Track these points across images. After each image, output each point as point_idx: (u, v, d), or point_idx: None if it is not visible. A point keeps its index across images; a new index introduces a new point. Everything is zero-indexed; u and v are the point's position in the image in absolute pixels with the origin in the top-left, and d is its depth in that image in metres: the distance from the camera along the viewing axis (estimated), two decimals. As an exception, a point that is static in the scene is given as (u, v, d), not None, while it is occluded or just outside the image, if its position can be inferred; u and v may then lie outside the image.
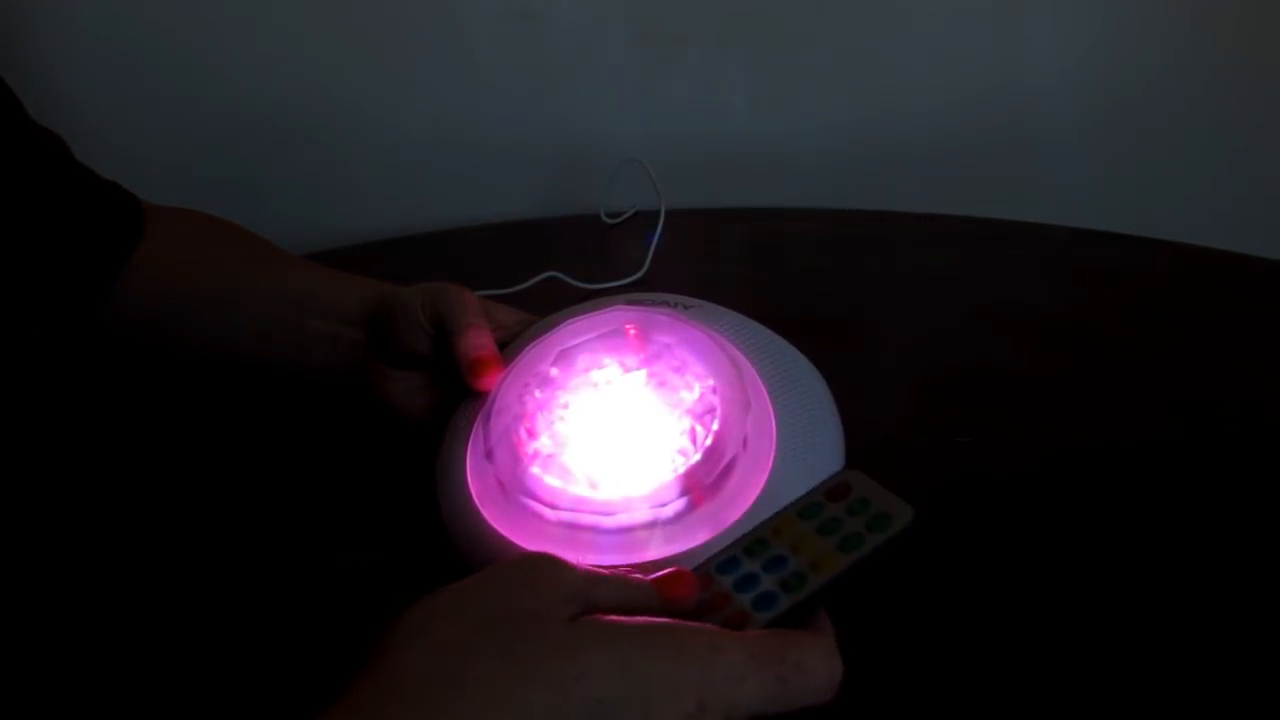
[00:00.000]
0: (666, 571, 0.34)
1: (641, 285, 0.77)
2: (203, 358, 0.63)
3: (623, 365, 0.48)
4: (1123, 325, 0.70)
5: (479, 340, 0.50)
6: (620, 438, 0.45)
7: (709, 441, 0.44)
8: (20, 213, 0.56)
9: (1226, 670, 0.42)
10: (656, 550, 0.41)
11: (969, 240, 0.86)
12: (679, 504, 0.42)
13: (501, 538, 0.44)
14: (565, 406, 0.47)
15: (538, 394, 0.48)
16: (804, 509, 0.35)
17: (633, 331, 0.48)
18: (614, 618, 0.30)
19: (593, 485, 0.44)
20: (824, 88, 0.98)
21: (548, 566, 0.32)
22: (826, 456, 0.47)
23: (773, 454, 0.44)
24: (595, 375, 0.48)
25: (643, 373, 0.47)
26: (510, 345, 0.53)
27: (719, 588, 0.33)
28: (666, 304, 0.52)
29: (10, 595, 0.50)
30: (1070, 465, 0.56)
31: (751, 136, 1.00)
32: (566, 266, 0.79)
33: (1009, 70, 0.95)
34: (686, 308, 0.52)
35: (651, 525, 0.42)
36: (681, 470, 0.43)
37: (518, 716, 0.28)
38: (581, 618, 0.30)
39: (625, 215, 0.94)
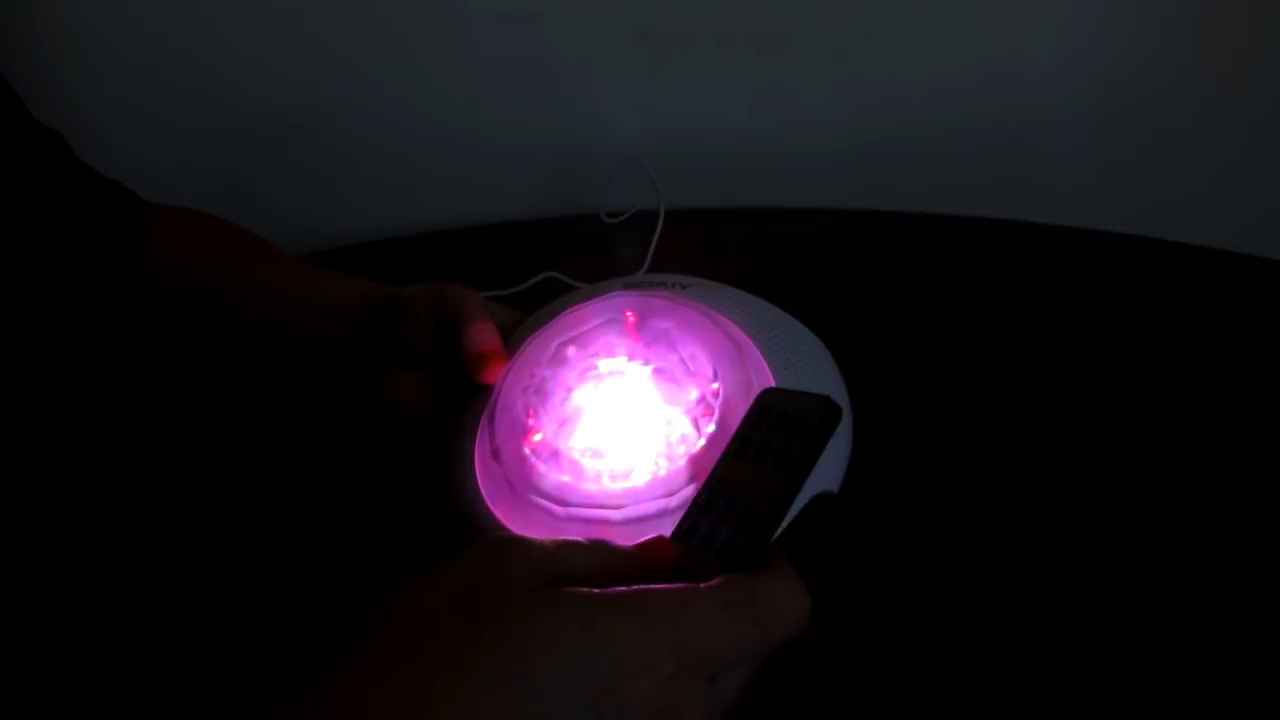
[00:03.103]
0: (646, 539, 0.34)
1: (642, 285, 0.77)
2: (203, 352, 0.63)
3: (624, 357, 0.48)
4: (1123, 325, 0.70)
5: (483, 334, 0.51)
6: (623, 429, 0.45)
7: (712, 426, 0.44)
8: (21, 211, 0.56)
9: (1225, 672, 0.42)
10: None
11: (969, 240, 0.86)
12: (687, 491, 0.42)
13: None
14: (567, 402, 0.47)
15: (538, 391, 0.48)
16: (737, 449, 0.36)
17: (630, 318, 0.48)
18: (581, 589, 0.30)
19: (600, 479, 0.44)
20: (824, 88, 0.98)
21: (510, 544, 0.32)
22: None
23: None
24: (594, 368, 0.48)
25: (641, 362, 0.47)
26: (511, 338, 0.53)
27: (687, 554, 0.34)
28: (664, 285, 0.52)
29: (10, 594, 0.50)
30: (1071, 464, 0.56)
31: (751, 136, 1.00)
32: (566, 266, 0.79)
33: (1009, 70, 0.95)
34: (684, 287, 0.52)
35: (661, 514, 0.42)
36: (688, 457, 0.43)
37: (484, 683, 0.27)
38: (546, 588, 0.30)
39: (625, 215, 0.94)
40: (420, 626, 0.29)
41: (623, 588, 0.30)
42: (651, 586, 0.31)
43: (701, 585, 0.31)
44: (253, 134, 0.98)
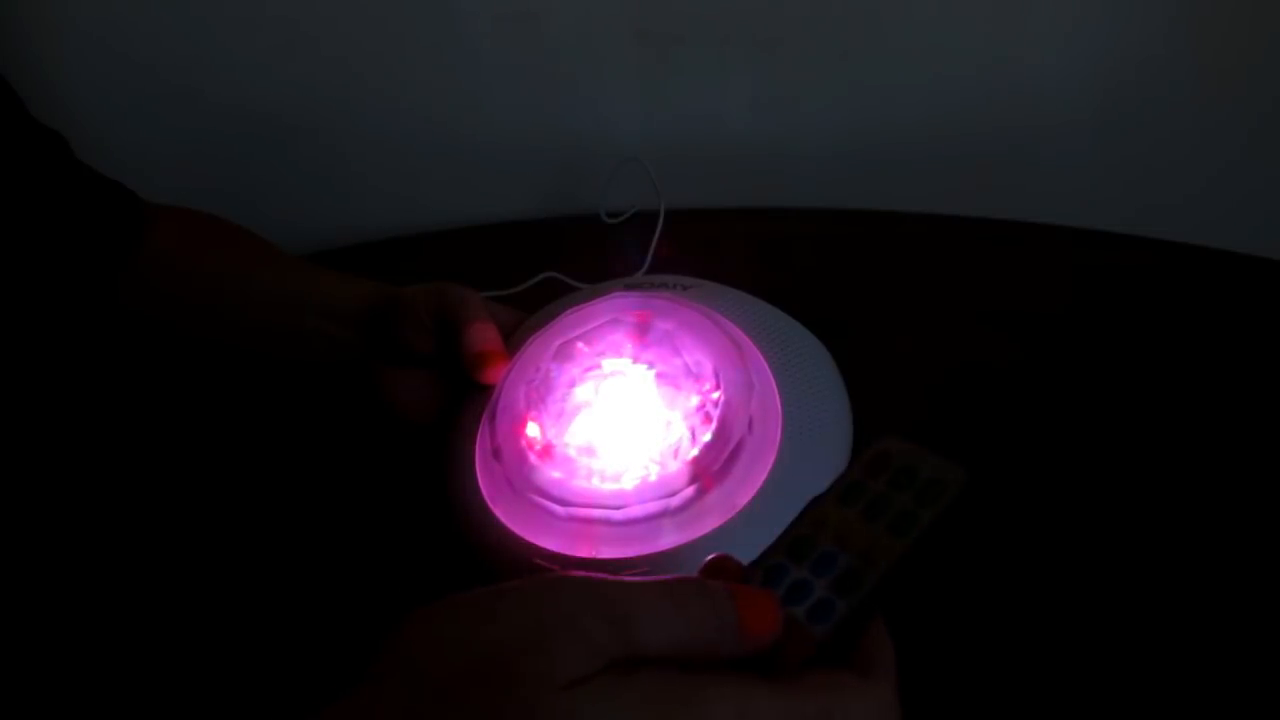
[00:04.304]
0: (751, 590, 0.28)
1: (642, 285, 0.77)
2: (204, 351, 0.63)
3: (625, 357, 0.48)
4: (1123, 325, 0.70)
5: (484, 334, 0.51)
6: (624, 429, 0.45)
7: (714, 427, 0.44)
8: (21, 211, 0.56)
9: (1226, 670, 0.42)
10: (668, 540, 0.42)
11: (969, 240, 0.86)
12: (688, 492, 0.42)
13: (516, 537, 0.44)
14: (568, 400, 0.47)
15: (540, 390, 0.48)
16: (844, 493, 0.31)
17: (633, 320, 0.48)
18: (623, 683, 0.25)
19: (600, 478, 0.44)
20: (824, 88, 0.98)
21: (569, 614, 0.26)
22: (833, 431, 0.47)
23: (779, 433, 0.44)
24: (595, 369, 0.48)
25: (646, 365, 0.47)
26: (510, 339, 0.53)
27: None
28: (665, 286, 0.52)
29: (10, 595, 0.50)
30: (1071, 464, 0.56)
31: (751, 136, 1.00)
32: (566, 266, 0.79)
33: (1010, 71, 0.95)
34: (686, 288, 0.52)
35: (661, 515, 0.42)
36: (688, 458, 0.43)
37: None
38: (594, 680, 0.25)
39: (625, 215, 0.94)
40: (436, 693, 0.25)
41: (678, 685, 0.26)
42: (710, 678, 0.26)
43: (771, 682, 0.26)
44: (252, 134, 0.98)
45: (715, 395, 0.44)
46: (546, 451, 0.45)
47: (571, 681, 0.25)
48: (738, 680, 0.26)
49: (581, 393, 0.47)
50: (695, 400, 0.45)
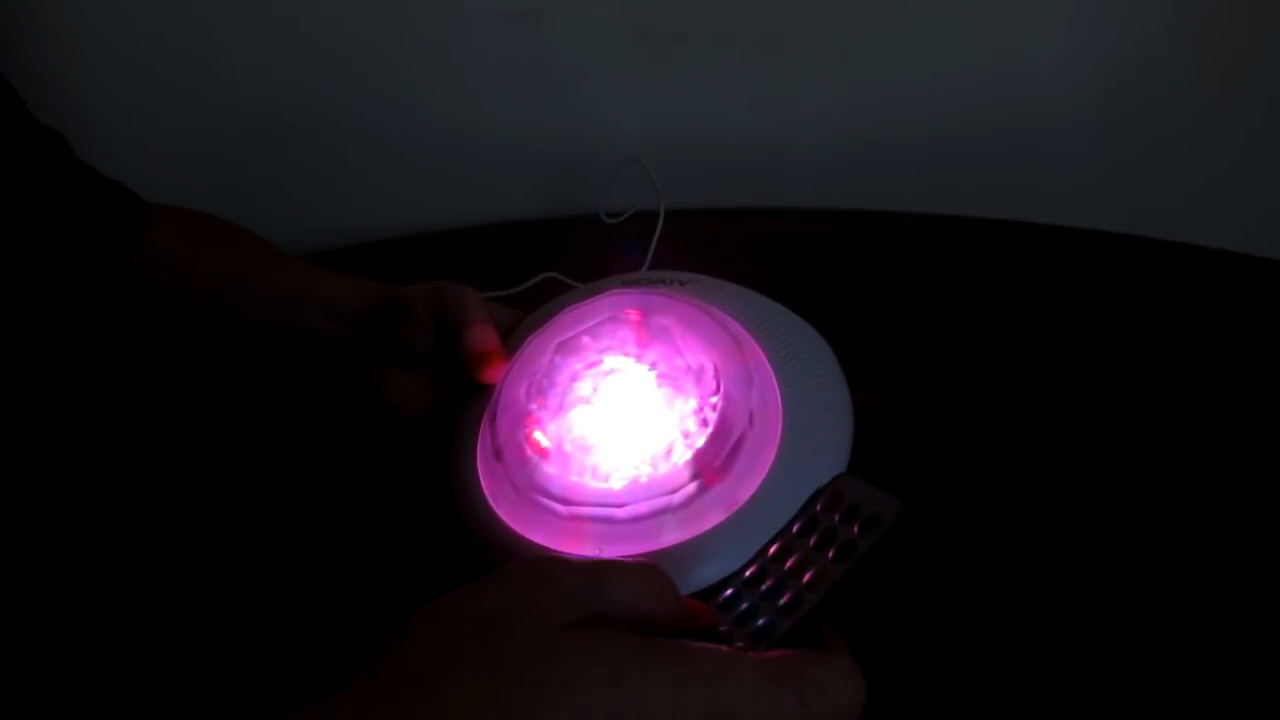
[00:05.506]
0: (697, 603, 0.33)
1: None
2: (204, 351, 0.63)
3: (624, 354, 0.48)
4: (1122, 325, 0.70)
5: (483, 335, 0.51)
6: (625, 427, 0.45)
7: (714, 423, 0.44)
8: (21, 210, 0.56)
9: (1227, 673, 0.42)
10: (670, 537, 0.41)
11: (969, 240, 0.86)
12: (690, 488, 0.42)
13: (518, 536, 0.44)
14: (568, 399, 0.47)
15: (540, 389, 0.47)
16: (804, 526, 0.35)
17: (633, 316, 0.48)
18: (616, 632, 0.28)
19: (601, 477, 0.44)
20: (824, 88, 0.98)
21: (545, 571, 0.30)
22: (834, 423, 0.47)
23: (780, 427, 0.44)
24: (594, 366, 0.48)
25: (648, 366, 0.47)
26: (510, 337, 0.53)
27: (722, 625, 0.33)
28: (663, 281, 0.52)
29: (10, 595, 0.50)
30: (1070, 464, 0.56)
31: (751, 136, 1.00)
32: (566, 267, 0.79)
33: (1010, 71, 0.95)
34: (684, 283, 0.52)
35: (663, 512, 0.42)
36: (689, 454, 0.43)
37: None
38: (579, 626, 0.28)
39: (625, 215, 0.94)
40: (440, 653, 0.28)
41: (662, 638, 0.28)
42: (693, 643, 0.29)
43: (750, 654, 0.29)
44: (252, 134, 0.98)
45: (714, 399, 0.44)
46: (547, 451, 0.45)
47: (559, 627, 0.28)
48: (717, 648, 0.29)
49: (581, 388, 0.47)
50: (694, 403, 0.45)
